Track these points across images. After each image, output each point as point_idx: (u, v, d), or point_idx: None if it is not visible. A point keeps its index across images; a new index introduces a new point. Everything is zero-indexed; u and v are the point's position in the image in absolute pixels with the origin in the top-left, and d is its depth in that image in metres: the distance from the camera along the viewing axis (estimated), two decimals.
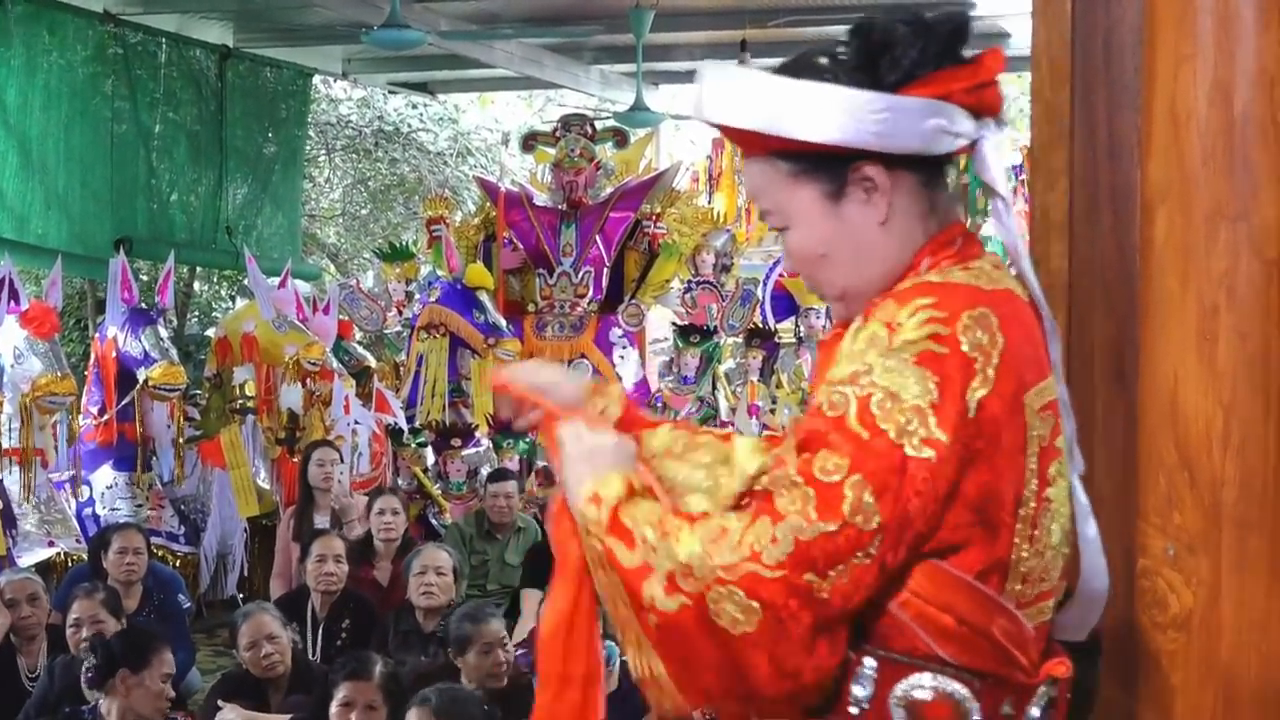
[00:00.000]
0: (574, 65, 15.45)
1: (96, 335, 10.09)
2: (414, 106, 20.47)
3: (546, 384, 2.43)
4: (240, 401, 10.13)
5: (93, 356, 9.72)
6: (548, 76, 15.60)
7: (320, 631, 7.28)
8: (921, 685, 2.10)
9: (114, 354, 9.43)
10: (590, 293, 11.18)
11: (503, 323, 10.70)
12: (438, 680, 5.82)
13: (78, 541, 8.76)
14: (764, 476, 2.18)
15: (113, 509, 9.19)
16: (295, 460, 9.59)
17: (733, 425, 10.98)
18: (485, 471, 9.83)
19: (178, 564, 9.09)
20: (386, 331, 11.47)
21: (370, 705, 5.43)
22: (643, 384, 11.19)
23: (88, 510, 9.24)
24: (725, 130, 2.27)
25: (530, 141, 11.90)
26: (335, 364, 10.26)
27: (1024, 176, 13.56)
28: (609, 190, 11.34)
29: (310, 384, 10.01)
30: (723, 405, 11.27)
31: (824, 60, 2.21)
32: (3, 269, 9.06)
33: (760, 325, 12.15)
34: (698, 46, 14.56)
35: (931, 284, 2.13)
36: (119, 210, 11.54)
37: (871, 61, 2.18)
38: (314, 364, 9.89)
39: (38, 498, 8.77)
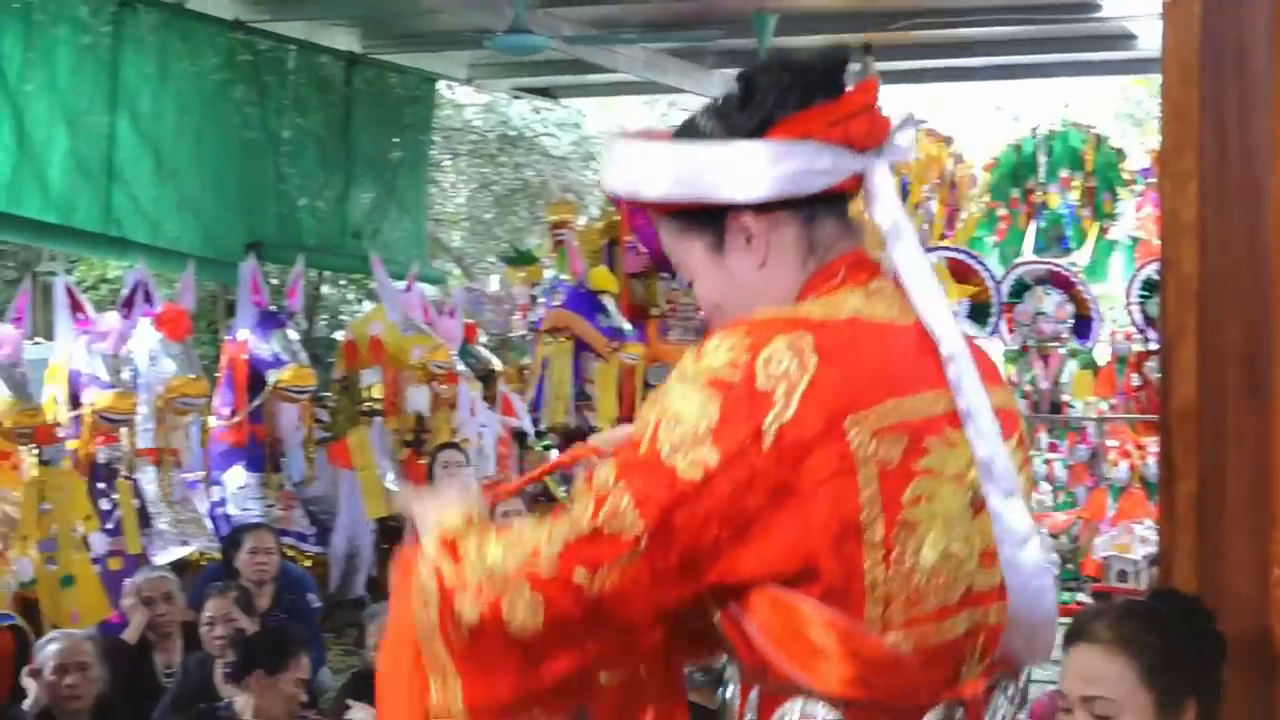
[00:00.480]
0: (696, 69, 15.43)
1: (228, 338, 10.24)
2: (537, 111, 20.58)
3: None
4: (368, 404, 10.23)
5: (224, 359, 9.84)
6: (670, 81, 15.59)
7: None
8: (791, 713, 2.14)
9: (245, 356, 9.56)
10: None
11: (626, 326, 10.75)
12: None
13: (210, 541, 8.87)
14: None
15: (244, 509, 9.30)
16: (422, 462, 9.66)
17: None
18: None
19: (308, 564, 9.18)
20: (511, 335, 11.56)
21: None
22: None
23: (220, 510, 9.36)
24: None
25: None
26: (461, 367, 10.34)
27: (1152, 179, 13.44)
28: None
29: (436, 387, 10.11)
30: None
31: (700, 116, 2.28)
32: (137, 273, 9.23)
33: None
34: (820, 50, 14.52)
35: (753, 320, 2.17)
36: (249, 215, 11.68)
37: (738, 111, 2.24)
38: (440, 367, 9.99)
39: (172, 497, 8.91)
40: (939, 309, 2.25)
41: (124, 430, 8.62)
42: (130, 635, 6.88)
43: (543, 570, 2.10)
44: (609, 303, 10.72)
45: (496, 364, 11.17)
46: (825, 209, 2.26)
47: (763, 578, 2.10)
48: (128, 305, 8.99)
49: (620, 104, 22.34)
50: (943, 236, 14.18)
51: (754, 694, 2.18)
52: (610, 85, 17.15)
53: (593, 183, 18.83)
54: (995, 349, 11.60)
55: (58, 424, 8.41)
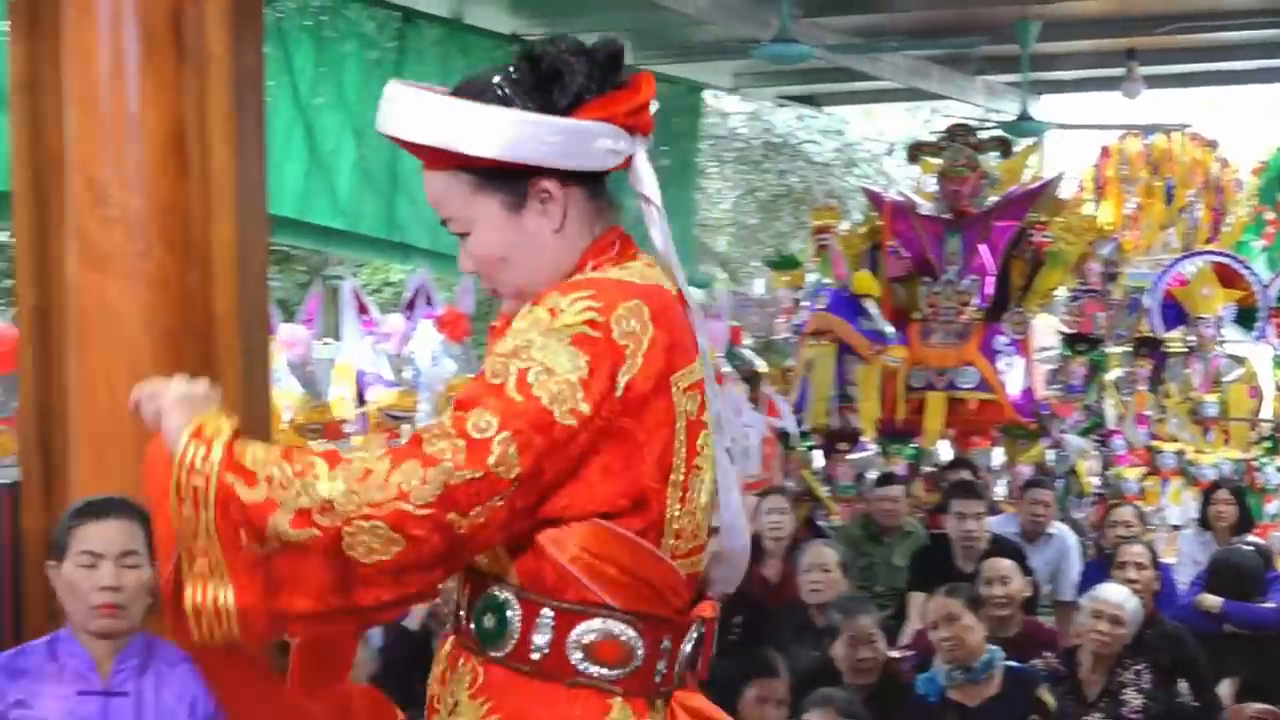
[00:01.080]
0: (959, 76, 15.42)
1: None
2: (801, 119, 20.70)
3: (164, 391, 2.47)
4: None
5: None
6: (932, 88, 15.61)
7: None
8: (593, 629, 2.41)
9: None
10: (975, 301, 11.18)
11: (889, 329, 10.80)
12: (817, 676, 6.00)
13: None
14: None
15: None
16: None
17: (1119, 435, 10.89)
18: (872, 475, 9.94)
19: None
20: (775, 338, 11.66)
21: (780, 701, 5.61)
22: (1028, 392, 11.14)
23: None
24: (407, 145, 2.50)
25: (915, 152, 11.97)
26: (727, 369, 10.47)
27: None
28: (994, 199, 11.34)
29: None
30: (1110, 414, 11.14)
31: (500, 85, 2.46)
32: (419, 277, 9.54)
33: (1149, 334, 11.97)
34: (1083, 55, 14.41)
35: (592, 279, 2.43)
36: None
37: (544, 87, 2.46)
38: (711, 368, 10.15)
39: None
40: (685, 283, 2.58)
41: (406, 427, 8.94)
42: (412, 622, 7.14)
43: (414, 509, 2.24)
44: (871, 306, 10.77)
45: (761, 366, 11.27)
46: (600, 186, 2.54)
47: (592, 513, 2.37)
48: (410, 307, 9.28)
49: (882, 111, 22.36)
50: (1208, 240, 13.96)
51: (547, 612, 2.40)
52: (873, 92, 17.21)
53: (855, 188, 18.86)
54: (1263, 354, 11.44)
55: (345, 420, 8.75)
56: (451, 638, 2.54)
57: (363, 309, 9.08)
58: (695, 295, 9.54)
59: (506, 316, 2.53)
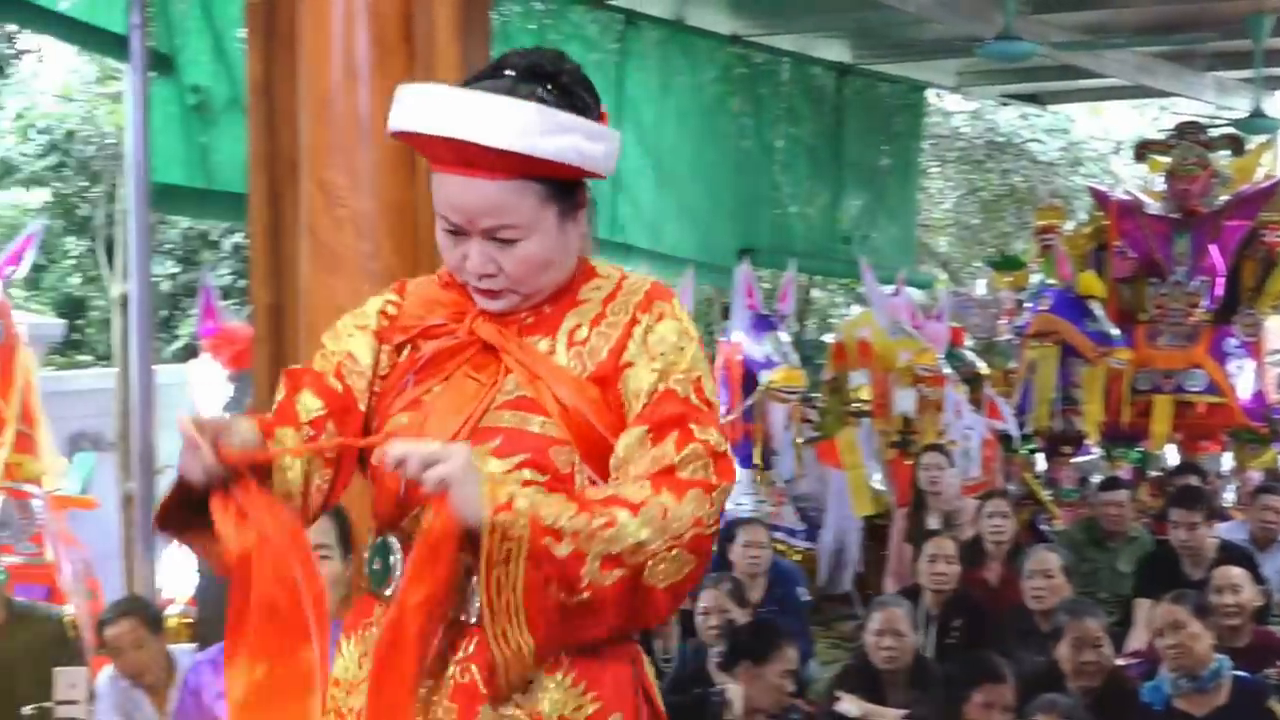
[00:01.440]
0: (1187, 72, 15.06)
1: (722, 339, 10.54)
2: (1024, 117, 20.42)
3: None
4: (856, 405, 10.33)
5: (719, 359, 10.13)
6: (1160, 85, 15.28)
7: (933, 630, 7.37)
8: None
9: (739, 357, 9.83)
10: (1204, 302, 10.96)
11: (1114, 331, 10.63)
12: (1041, 681, 5.92)
13: None
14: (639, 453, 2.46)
15: (737, 504, 9.52)
16: (908, 463, 9.78)
17: None
18: (1096, 479, 9.78)
19: (797, 558, 9.32)
20: (997, 339, 11.56)
21: (1006, 706, 5.55)
22: (1259, 396, 10.90)
23: None
24: (500, 155, 2.41)
25: (1143, 150, 11.77)
26: (947, 370, 10.41)
27: None
28: (1224, 198, 11.08)
29: (923, 389, 10.20)
30: None
31: (552, 91, 2.48)
32: None
33: None
34: None
35: (660, 284, 2.59)
36: (744, 222, 11.97)
37: (578, 96, 2.51)
38: (927, 370, 10.08)
39: None
40: None
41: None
42: None
43: (707, 530, 2.41)
44: (1096, 308, 10.61)
45: (982, 367, 11.18)
46: None
47: None
48: None
49: (1109, 109, 21.95)
50: None
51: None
52: (1099, 90, 16.91)
53: (1081, 187, 18.57)
54: None
55: None
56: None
57: None
58: (915, 296, 9.55)
59: (509, 316, 2.57)
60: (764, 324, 9.95)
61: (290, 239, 4.60)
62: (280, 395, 2.62)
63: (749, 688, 5.81)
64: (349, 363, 2.64)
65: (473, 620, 2.46)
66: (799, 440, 10.09)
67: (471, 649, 2.47)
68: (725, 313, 12.09)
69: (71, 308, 16.33)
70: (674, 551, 2.37)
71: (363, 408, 2.62)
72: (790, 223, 12.58)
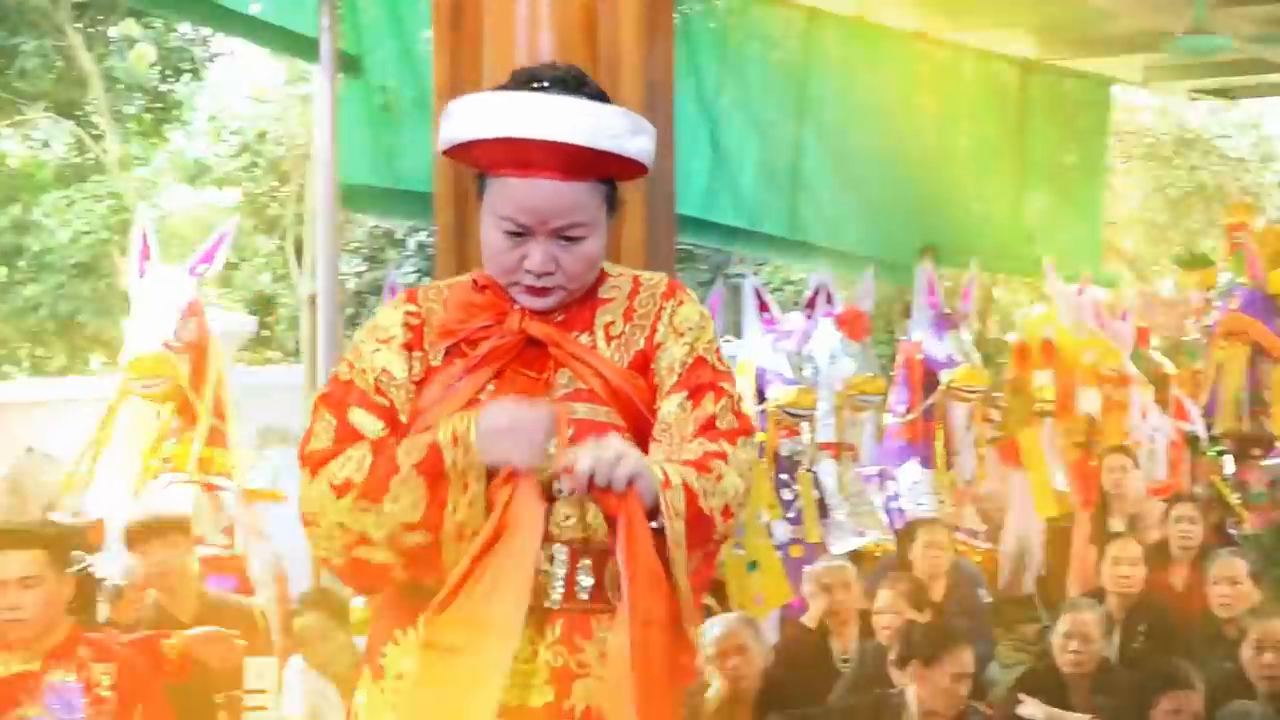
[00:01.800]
0: None
1: (903, 338, 10.49)
2: (1213, 112, 20.04)
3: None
4: (1039, 405, 10.23)
5: (900, 358, 10.10)
6: None
7: (1117, 634, 7.26)
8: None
9: (920, 356, 9.76)
10: None
11: None
12: (1230, 688, 5.81)
13: (885, 533, 9.12)
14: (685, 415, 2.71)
15: (917, 504, 9.48)
16: (1093, 464, 9.65)
17: None
18: None
19: (977, 559, 9.18)
20: (1184, 339, 11.36)
21: (1195, 714, 5.47)
22: None
23: (894, 504, 9.57)
24: (592, 157, 2.60)
25: None
26: (1133, 370, 10.26)
27: None
28: None
29: (1108, 389, 10.07)
30: None
31: (596, 92, 2.70)
32: (820, 276, 9.57)
33: None
34: None
35: (674, 280, 2.88)
36: (926, 220, 11.83)
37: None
38: (1112, 370, 9.96)
39: (849, 490, 9.24)
40: None
41: (805, 425, 9.01)
42: (810, 619, 7.17)
43: (752, 472, 2.72)
44: None
45: (1169, 368, 11.01)
46: None
47: None
48: (810, 306, 9.29)
49: None
50: None
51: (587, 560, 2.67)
52: None
53: (1273, 184, 18.17)
54: None
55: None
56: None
57: (763, 307, 9.15)
58: (1101, 295, 9.42)
59: (552, 313, 2.74)
60: (945, 322, 9.86)
61: (474, 237, 4.61)
62: (327, 419, 2.69)
63: (920, 689, 5.77)
64: (385, 378, 2.72)
65: (556, 604, 2.63)
66: (980, 440, 9.99)
67: (559, 632, 2.62)
68: (906, 311, 11.99)
69: (261, 305, 16.70)
70: (747, 494, 2.69)
71: (404, 419, 2.70)
72: (973, 220, 12.42)
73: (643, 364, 2.74)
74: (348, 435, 2.65)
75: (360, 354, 2.74)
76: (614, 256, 4.44)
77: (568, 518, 2.62)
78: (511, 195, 2.64)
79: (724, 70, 10.36)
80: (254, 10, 7.76)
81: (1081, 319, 10.25)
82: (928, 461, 9.62)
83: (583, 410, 2.66)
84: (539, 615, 2.61)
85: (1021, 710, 6.04)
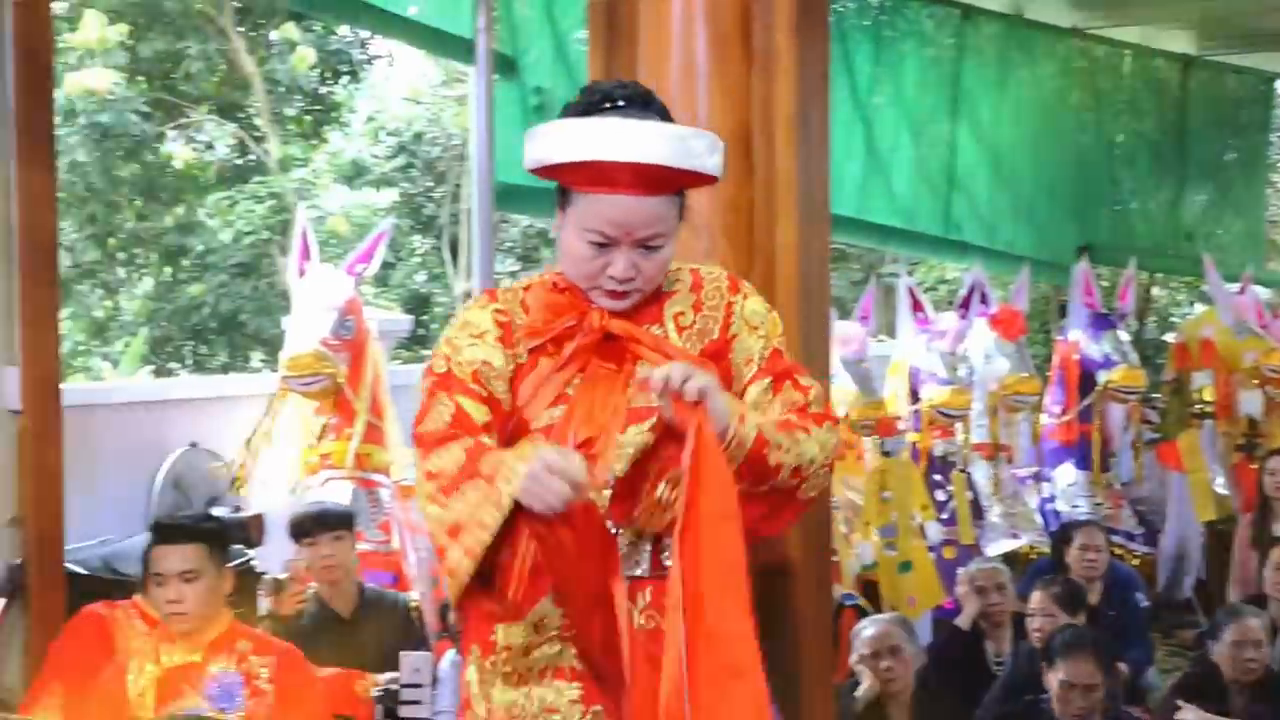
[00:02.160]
0: None
1: (1059, 338, 10.38)
2: None
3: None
4: (1198, 406, 10.10)
5: (1056, 358, 10.00)
6: None
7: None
8: None
9: (1076, 356, 9.67)
10: None
11: None
12: None
13: (1039, 535, 9.03)
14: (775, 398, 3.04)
15: (1073, 506, 9.39)
16: (1253, 467, 9.48)
17: None
18: None
19: (1135, 563, 9.10)
20: None
21: None
22: None
23: (1049, 506, 9.48)
24: (677, 175, 2.86)
25: None
26: None
27: None
28: None
29: (1270, 390, 9.90)
30: None
31: (661, 109, 3.03)
32: (974, 274, 9.49)
33: None
34: None
35: (733, 274, 3.20)
36: (1082, 218, 11.70)
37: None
38: (1274, 371, 9.79)
39: (1003, 491, 9.16)
40: None
41: (959, 425, 8.95)
42: (963, 621, 7.09)
43: (835, 457, 3.05)
44: None
45: None
46: None
47: None
48: (965, 305, 9.25)
49: None
50: None
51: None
52: None
53: None
54: None
55: (898, 417, 8.83)
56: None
57: (917, 306, 9.12)
58: (1262, 294, 9.24)
59: (628, 310, 2.99)
60: (1103, 322, 9.76)
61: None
62: (445, 403, 2.93)
63: (1054, 693, 5.68)
64: (486, 369, 2.96)
65: (645, 574, 2.93)
66: (1139, 442, 9.86)
67: (649, 598, 2.93)
68: (1062, 311, 11.86)
69: (417, 304, 16.88)
70: (824, 470, 2.98)
71: (506, 409, 2.98)
72: (1131, 219, 12.29)
73: (714, 354, 3.01)
74: (462, 419, 2.89)
75: (456, 348, 2.97)
76: (767, 257, 4.47)
77: (635, 560, 2.97)
78: (598, 211, 2.89)
79: (878, 68, 10.30)
80: (411, 13, 7.84)
81: (1243, 318, 10.08)
82: (1084, 463, 9.54)
83: (652, 399, 2.86)
84: (631, 584, 2.91)
85: (1180, 716, 5.93)
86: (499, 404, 2.96)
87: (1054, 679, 5.67)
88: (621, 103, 2.94)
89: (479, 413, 2.92)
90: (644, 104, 2.97)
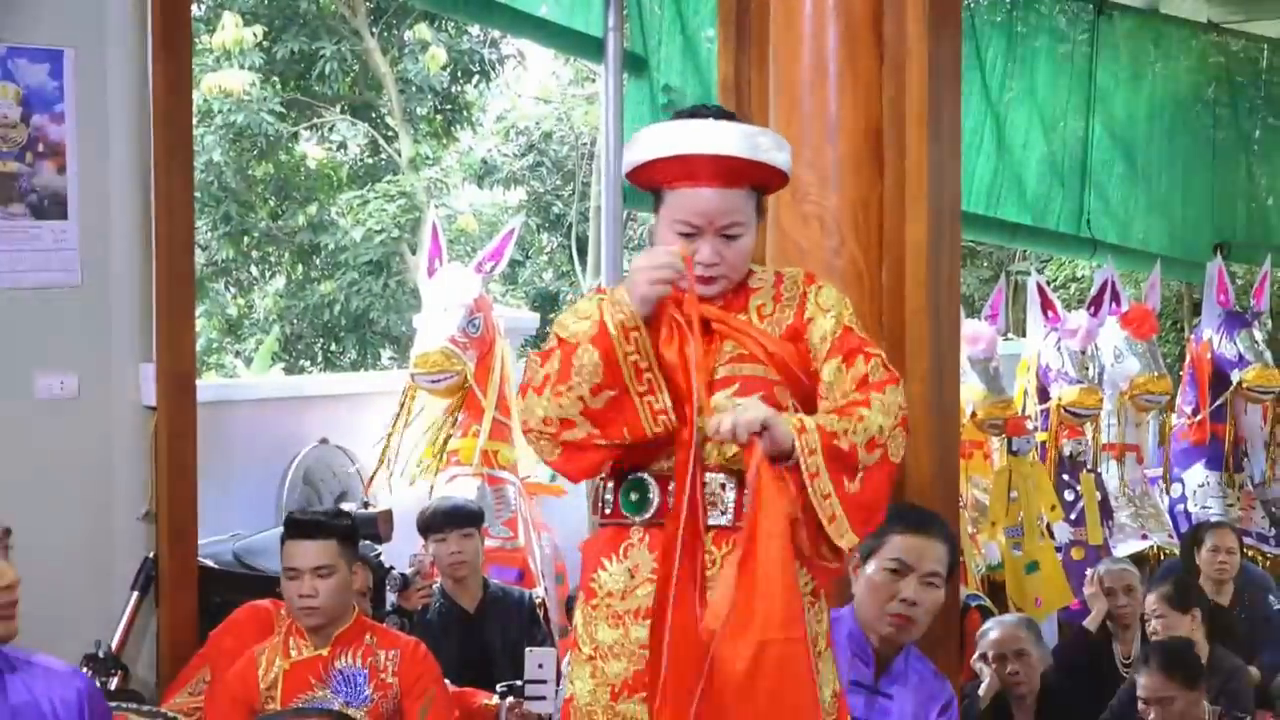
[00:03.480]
0: None
1: (1192, 336, 10.26)
2: None
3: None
4: None
5: (1188, 357, 9.87)
6: None
7: None
8: None
9: (1208, 355, 9.55)
10: None
11: None
12: None
13: (1169, 537, 8.93)
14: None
15: (1203, 507, 9.28)
16: None
17: None
18: None
19: (1267, 565, 9.00)
20: None
21: None
22: None
23: (1179, 506, 9.39)
24: (754, 168, 3.26)
25: None
26: None
27: None
28: None
29: None
30: None
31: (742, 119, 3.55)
32: (1106, 272, 9.38)
33: None
34: None
35: (810, 271, 3.53)
36: (1217, 215, 11.53)
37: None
38: None
39: (1132, 491, 9.06)
40: None
41: (1089, 425, 8.86)
42: (1091, 623, 6.99)
43: (904, 412, 3.30)
44: None
45: None
46: None
47: None
48: (1095, 304, 9.13)
49: None
50: None
51: None
52: None
53: None
54: None
55: (1027, 416, 8.75)
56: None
57: (1047, 304, 9.03)
58: None
59: (717, 301, 3.33)
60: (1237, 321, 9.62)
61: (757, 234, 4.67)
62: (551, 360, 3.24)
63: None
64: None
65: (729, 523, 3.24)
66: (1272, 442, 9.71)
67: (733, 544, 3.20)
68: (1195, 309, 11.70)
69: (545, 302, 16.94)
70: (898, 430, 3.27)
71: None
72: (1268, 215, 12.03)
73: (793, 335, 3.34)
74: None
75: (563, 325, 3.28)
76: (897, 254, 4.46)
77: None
78: (683, 203, 3.27)
79: (1010, 63, 10.22)
80: (542, 12, 7.88)
81: None
82: (1215, 463, 9.42)
83: (747, 369, 3.29)
84: (716, 532, 3.25)
85: None
86: None
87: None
88: (708, 115, 3.32)
89: None
90: (723, 115, 3.36)
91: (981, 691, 6.02)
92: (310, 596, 4.67)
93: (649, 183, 3.35)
